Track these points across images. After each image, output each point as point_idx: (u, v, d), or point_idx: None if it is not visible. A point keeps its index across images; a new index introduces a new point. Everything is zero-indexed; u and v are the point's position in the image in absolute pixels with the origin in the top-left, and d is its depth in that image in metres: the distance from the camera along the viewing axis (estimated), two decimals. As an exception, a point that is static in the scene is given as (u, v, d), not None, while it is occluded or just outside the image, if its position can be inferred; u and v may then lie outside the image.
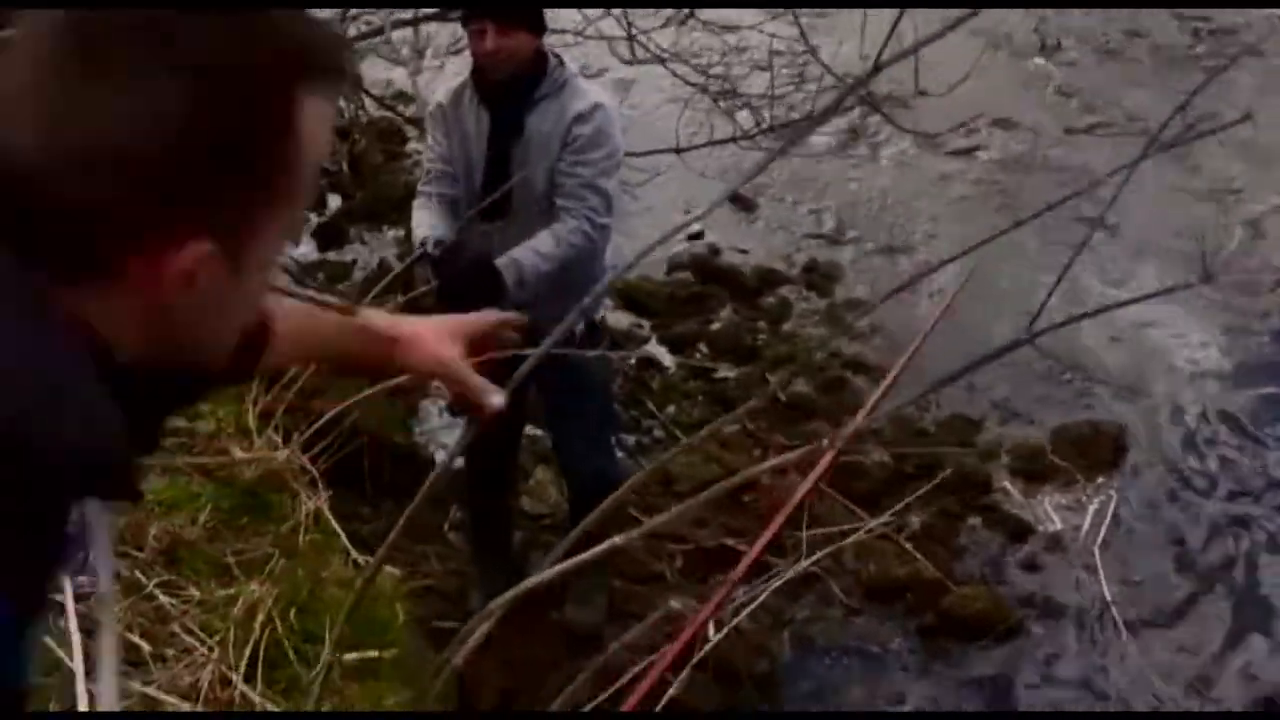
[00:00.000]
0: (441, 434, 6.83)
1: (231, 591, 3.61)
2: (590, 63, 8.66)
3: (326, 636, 3.55)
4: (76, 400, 1.30)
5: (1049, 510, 6.86)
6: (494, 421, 2.33)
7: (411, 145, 9.84)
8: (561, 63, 4.94)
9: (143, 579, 3.64)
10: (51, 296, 1.31)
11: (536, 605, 5.98)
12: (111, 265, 1.32)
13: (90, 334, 1.34)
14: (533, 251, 4.69)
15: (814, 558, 4.33)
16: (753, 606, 5.94)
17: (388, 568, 3.88)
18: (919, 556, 6.35)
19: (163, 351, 1.43)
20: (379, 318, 2.27)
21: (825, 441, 4.53)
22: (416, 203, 5.03)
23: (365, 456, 5.20)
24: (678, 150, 8.15)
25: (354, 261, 8.67)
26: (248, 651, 3.42)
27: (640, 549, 6.37)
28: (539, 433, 7.03)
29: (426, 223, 4.89)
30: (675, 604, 5.99)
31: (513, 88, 4.85)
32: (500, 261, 4.62)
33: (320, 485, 4.09)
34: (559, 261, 4.71)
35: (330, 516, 4.01)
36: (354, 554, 3.89)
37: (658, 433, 7.28)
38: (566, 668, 5.25)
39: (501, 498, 5.95)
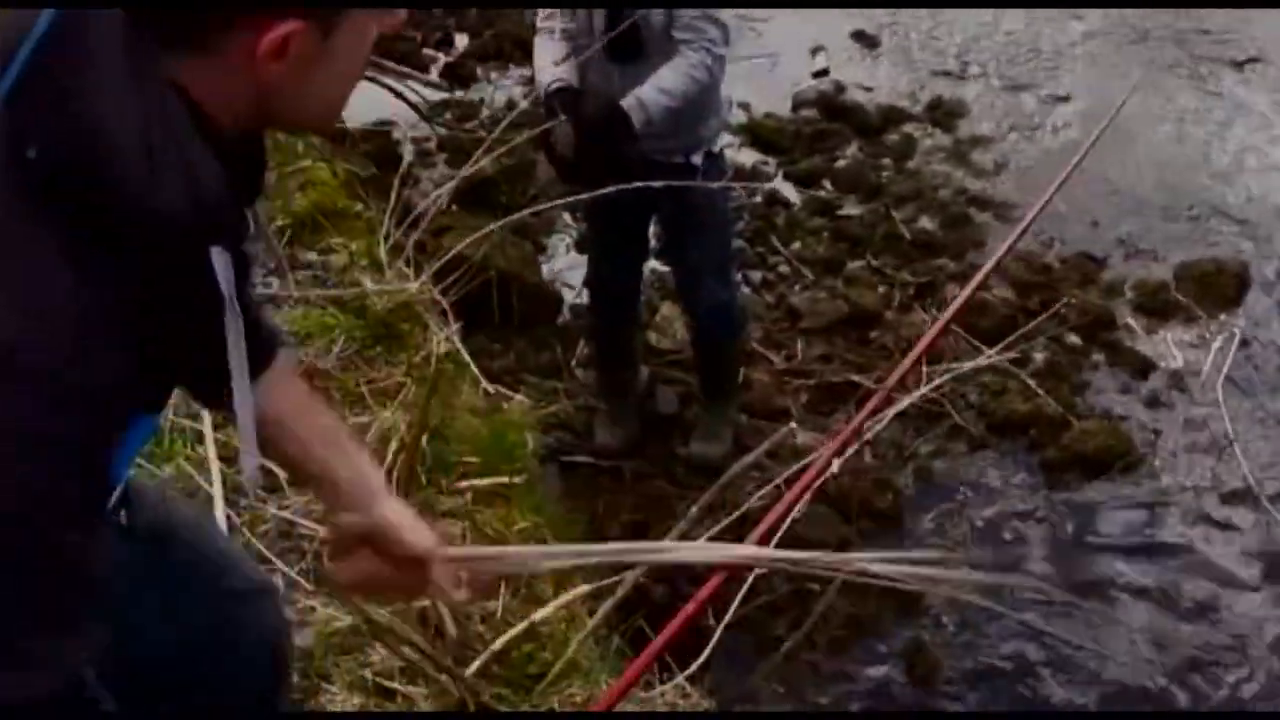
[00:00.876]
0: (569, 273, 6.88)
1: (365, 419, 3.69)
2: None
3: (459, 461, 3.65)
4: (182, 154, 1.44)
5: (1171, 347, 6.80)
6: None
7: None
8: None
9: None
10: (159, 65, 1.46)
11: (666, 440, 6.09)
12: (213, 38, 1.48)
13: (192, 99, 1.49)
14: (657, 90, 4.69)
15: (933, 384, 4.29)
16: (867, 436, 6.00)
17: (517, 397, 3.96)
18: (1041, 393, 6.33)
19: (256, 121, 1.60)
20: (384, 501, 2.18)
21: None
22: (538, 40, 5.04)
23: (494, 291, 5.26)
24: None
25: (481, 100, 8.68)
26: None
27: (767, 384, 6.43)
28: (664, 268, 7.09)
29: (550, 62, 4.91)
30: (800, 438, 6.08)
31: None
32: (627, 103, 4.63)
33: (450, 318, 4.15)
34: (683, 97, 4.72)
35: (461, 347, 4.07)
36: (484, 384, 3.95)
37: (783, 268, 7.27)
38: (694, 500, 5.36)
39: (627, 331, 6.00)
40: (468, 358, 4.03)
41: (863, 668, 5.29)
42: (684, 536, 3.46)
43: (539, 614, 3.16)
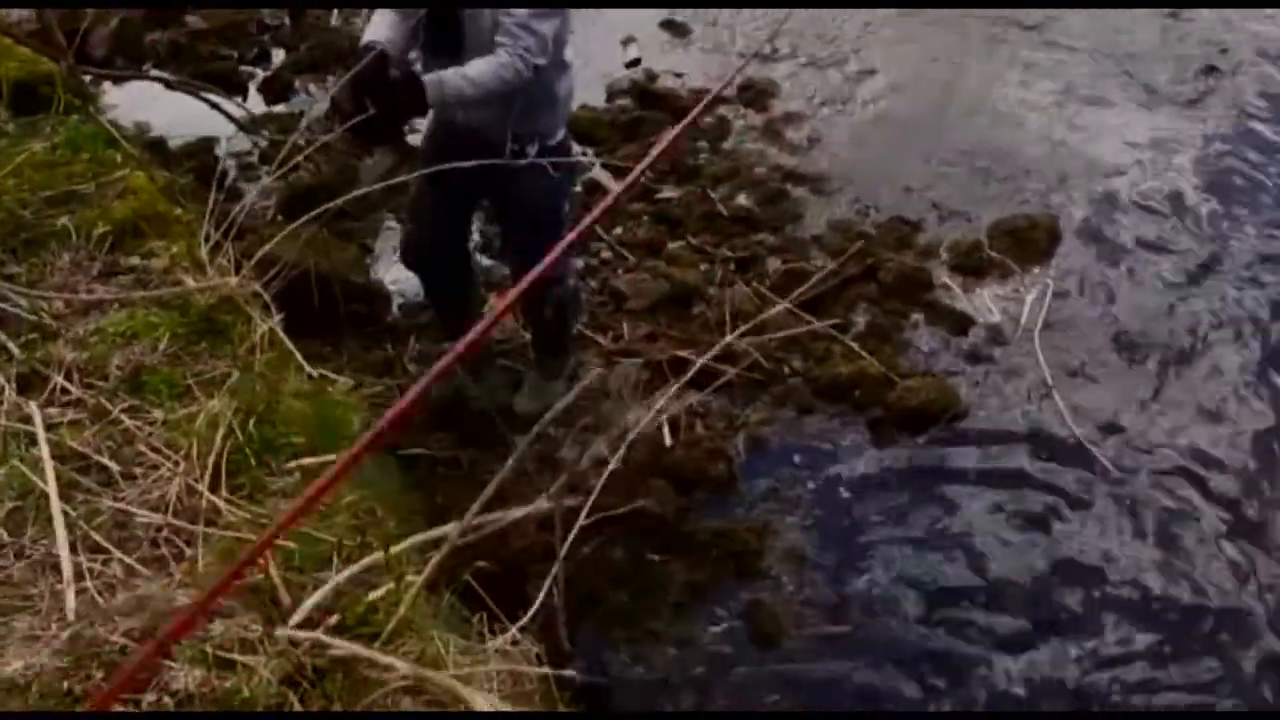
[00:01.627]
0: (398, 274, 6.99)
1: (193, 409, 3.79)
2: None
3: (287, 443, 3.77)
4: None
5: (988, 303, 7.08)
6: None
7: (354, -6, 9.90)
8: None
9: (108, 405, 3.83)
10: None
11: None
12: None
13: None
14: (459, 75, 4.87)
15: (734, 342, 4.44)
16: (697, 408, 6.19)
17: (339, 378, 4.08)
18: (865, 355, 6.56)
19: None
20: None
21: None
22: (376, 13, 5.20)
23: (315, 291, 5.38)
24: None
25: (301, 113, 8.76)
26: (211, 462, 3.62)
27: (598, 366, 6.57)
28: (486, 262, 7.25)
29: (376, 27, 5.08)
30: (631, 416, 6.23)
31: None
32: (428, 78, 4.80)
33: (273, 309, 4.26)
34: (484, 90, 4.90)
35: (284, 336, 4.18)
36: (308, 369, 4.07)
37: (605, 254, 7.45)
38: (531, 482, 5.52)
39: (455, 289, 6.17)
40: (290, 345, 4.14)
41: (704, 631, 5.45)
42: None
43: (372, 595, 3.30)
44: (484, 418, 6.18)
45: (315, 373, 4.02)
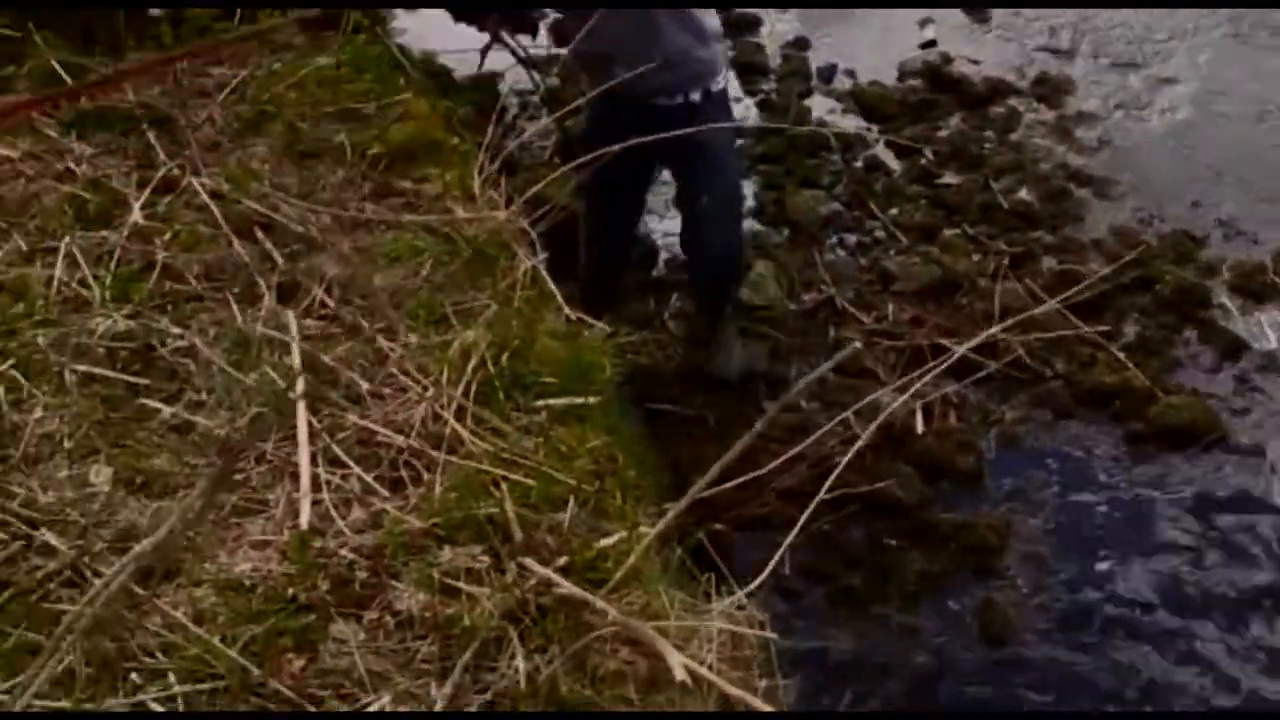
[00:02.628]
0: (668, 227, 6.96)
1: (448, 337, 3.78)
2: None
3: (537, 382, 3.74)
4: None
5: (1266, 329, 6.80)
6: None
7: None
8: None
9: (363, 324, 3.84)
10: None
11: (755, 395, 6.19)
12: None
13: None
14: None
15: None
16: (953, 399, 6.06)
17: (596, 324, 4.03)
18: (1130, 366, 6.36)
19: None
20: None
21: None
22: None
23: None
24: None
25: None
26: (459, 391, 3.60)
27: (856, 341, 6.48)
28: (755, 225, 7.19)
29: None
30: (885, 398, 6.13)
31: None
32: None
33: (538, 247, 4.24)
34: None
35: (546, 276, 4.15)
36: (567, 311, 4.03)
37: (879, 233, 7.35)
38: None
39: (616, 271, 6.09)
40: (553, 286, 4.10)
41: (932, 623, 5.34)
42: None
43: (604, 542, 3.24)
44: (743, 378, 6.15)
45: (573, 315, 3.97)
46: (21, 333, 3.70)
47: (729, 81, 5.66)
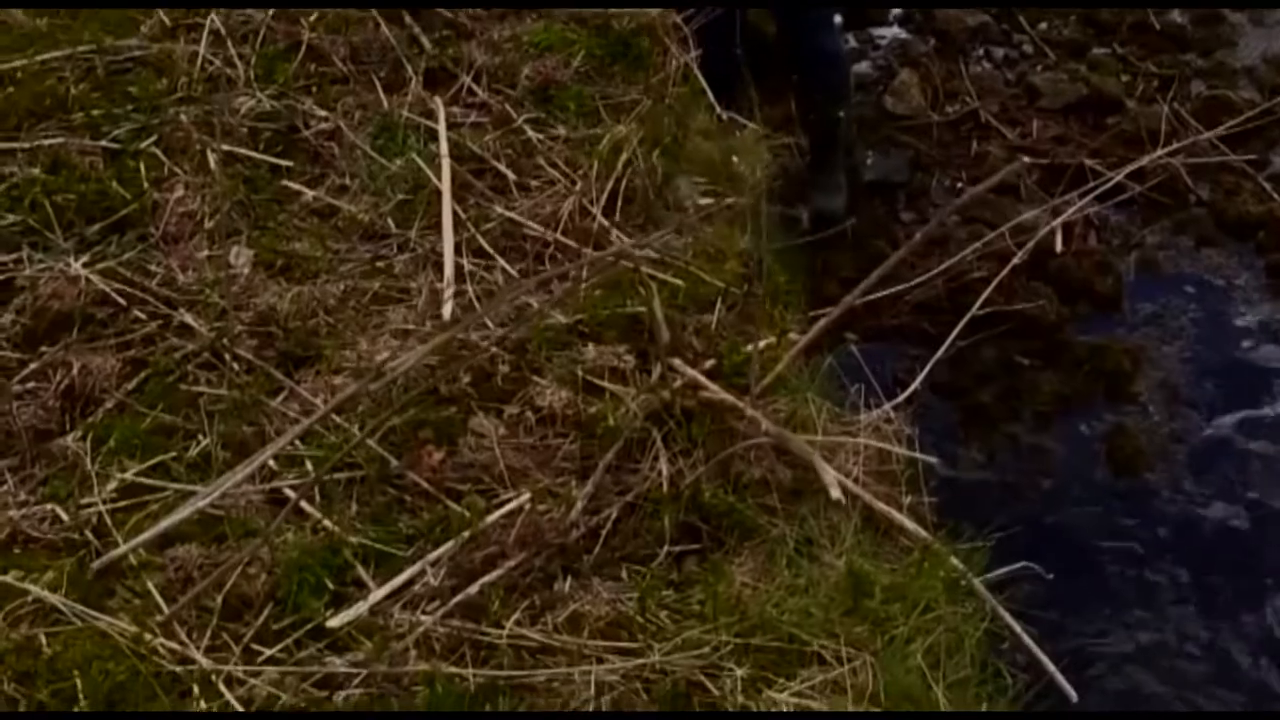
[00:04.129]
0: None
1: (597, 131, 3.67)
2: None
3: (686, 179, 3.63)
4: None
5: None
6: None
7: None
8: None
9: (512, 114, 3.74)
10: None
11: (891, 204, 6.04)
12: None
13: None
14: None
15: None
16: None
17: (748, 124, 3.91)
18: (1277, 196, 6.11)
19: None
20: None
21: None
22: None
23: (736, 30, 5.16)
24: None
25: None
26: (609, 186, 3.50)
27: (998, 158, 6.31)
28: (900, 34, 6.98)
29: None
30: (1025, 214, 5.97)
31: None
32: None
33: (692, 44, 4.10)
34: None
35: (699, 73, 4.02)
36: (718, 110, 3.91)
37: (1026, 47, 7.08)
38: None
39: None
40: (704, 83, 3.97)
41: (1062, 445, 5.21)
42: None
43: (750, 347, 3.13)
44: (876, 189, 5.99)
45: (725, 115, 3.84)
46: (164, 109, 3.64)
47: None
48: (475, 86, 3.83)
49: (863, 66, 6.74)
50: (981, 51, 6.94)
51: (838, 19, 5.89)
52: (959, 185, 6.17)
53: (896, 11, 6.95)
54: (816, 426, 3.03)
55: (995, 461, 5.14)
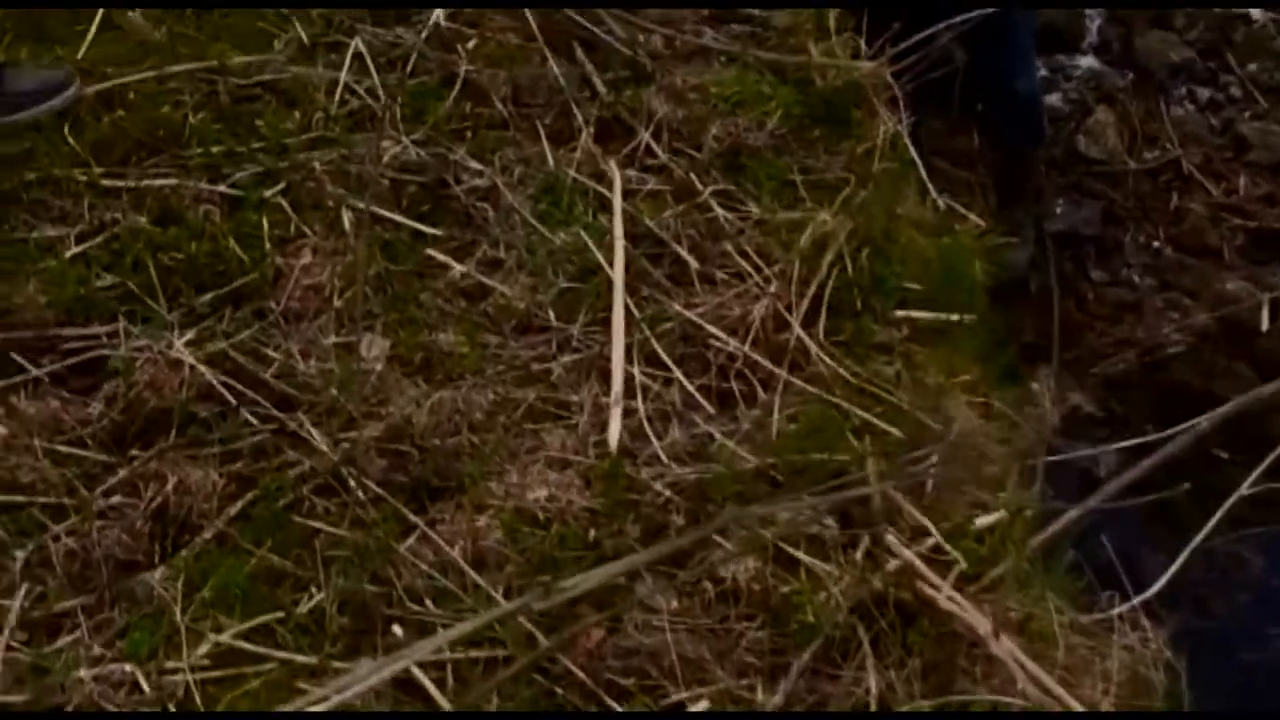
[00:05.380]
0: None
1: (795, 215, 3.12)
2: None
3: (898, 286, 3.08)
4: None
5: None
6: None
7: None
8: None
9: (697, 184, 3.19)
10: None
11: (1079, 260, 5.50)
12: None
13: None
14: None
15: None
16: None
17: (971, 215, 3.35)
18: None
19: None
20: None
21: None
22: None
23: (958, 82, 4.57)
24: None
25: None
26: (811, 291, 2.95)
27: (1199, 216, 5.72)
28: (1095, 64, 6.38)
29: None
30: (1229, 285, 5.39)
31: None
32: None
33: (901, 105, 3.53)
34: None
35: (911, 147, 3.46)
36: (932, 193, 3.35)
37: (1234, 90, 6.44)
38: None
39: None
40: (916, 156, 3.41)
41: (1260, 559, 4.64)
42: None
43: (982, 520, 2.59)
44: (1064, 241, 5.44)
45: (942, 202, 3.28)
46: (295, 151, 3.10)
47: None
48: (655, 144, 3.28)
49: (1054, 99, 6.14)
50: (1184, 91, 6.32)
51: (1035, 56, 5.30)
52: (1155, 244, 5.61)
53: (1092, 39, 6.34)
54: (1057, 640, 2.47)
55: (1184, 574, 4.57)
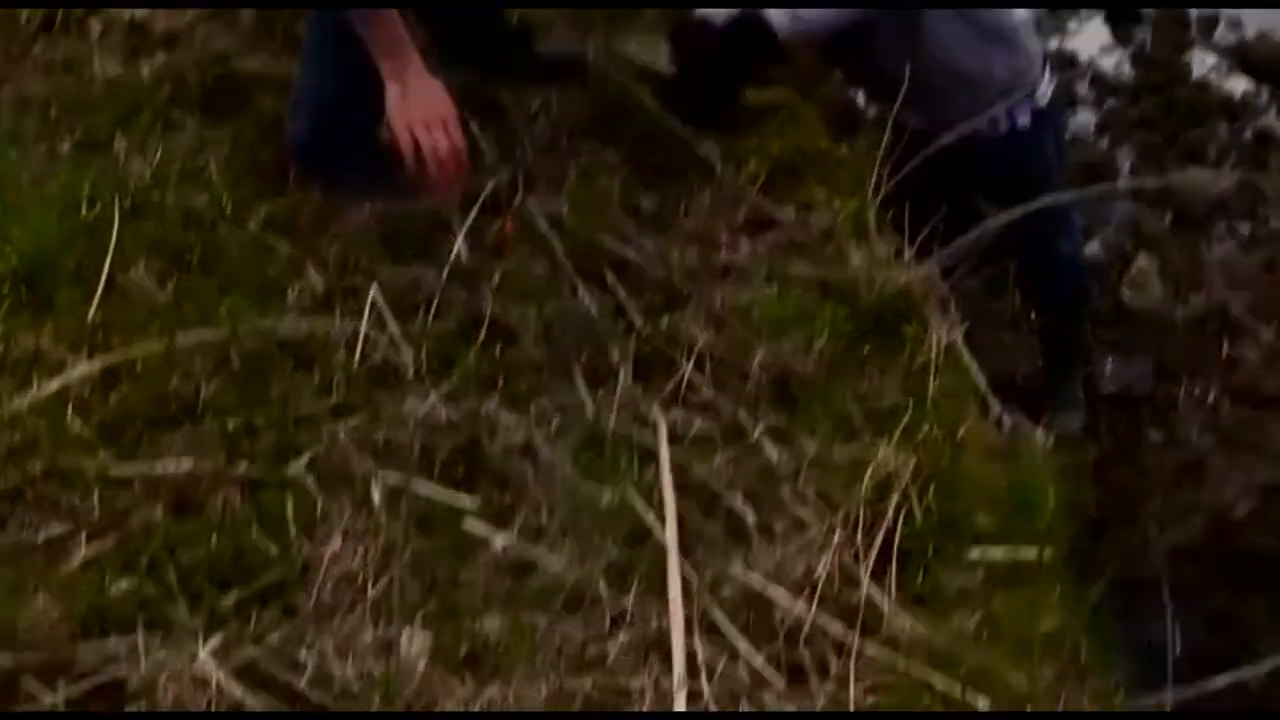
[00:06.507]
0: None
1: (854, 451, 2.92)
2: None
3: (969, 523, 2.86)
4: None
5: None
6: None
7: None
8: None
9: (745, 423, 2.99)
10: None
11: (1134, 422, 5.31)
12: None
13: None
14: None
15: None
16: None
17: (1038, 432, 3.14)
18: None
19: None
20: None
21: None
22: None
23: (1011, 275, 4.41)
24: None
25: None
26: (878, 539, 2.74)
27: (1253, 363, 5.53)
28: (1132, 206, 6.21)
29: None
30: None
31: None
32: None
33: (953, 308, 3.33)
34: None
35: (964, 351, 3.26)
36: (994, 407, 3.14)
37: (1275, 223, 6.25)
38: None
39: None
40: (974, 367, 3.20)
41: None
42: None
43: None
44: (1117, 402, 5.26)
45: (1007, 418, 3.07)
46: (315, 420, 2.90)
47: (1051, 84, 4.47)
48: (698, 377, 3.08)
49: (1093, 247, 5.96)
50: (1224, 228, 6.14)
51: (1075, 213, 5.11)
52: (1211, 397, 5.41)
53: (1126, 179, 6.17)
54: None
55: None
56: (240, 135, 3.74)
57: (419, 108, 3.12)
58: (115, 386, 2.97)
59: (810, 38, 3.82)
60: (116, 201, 3.41)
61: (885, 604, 2.66)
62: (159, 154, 3.67)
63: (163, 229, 3.40)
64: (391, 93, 3.11)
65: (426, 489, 2.82)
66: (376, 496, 2.78)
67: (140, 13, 4.20)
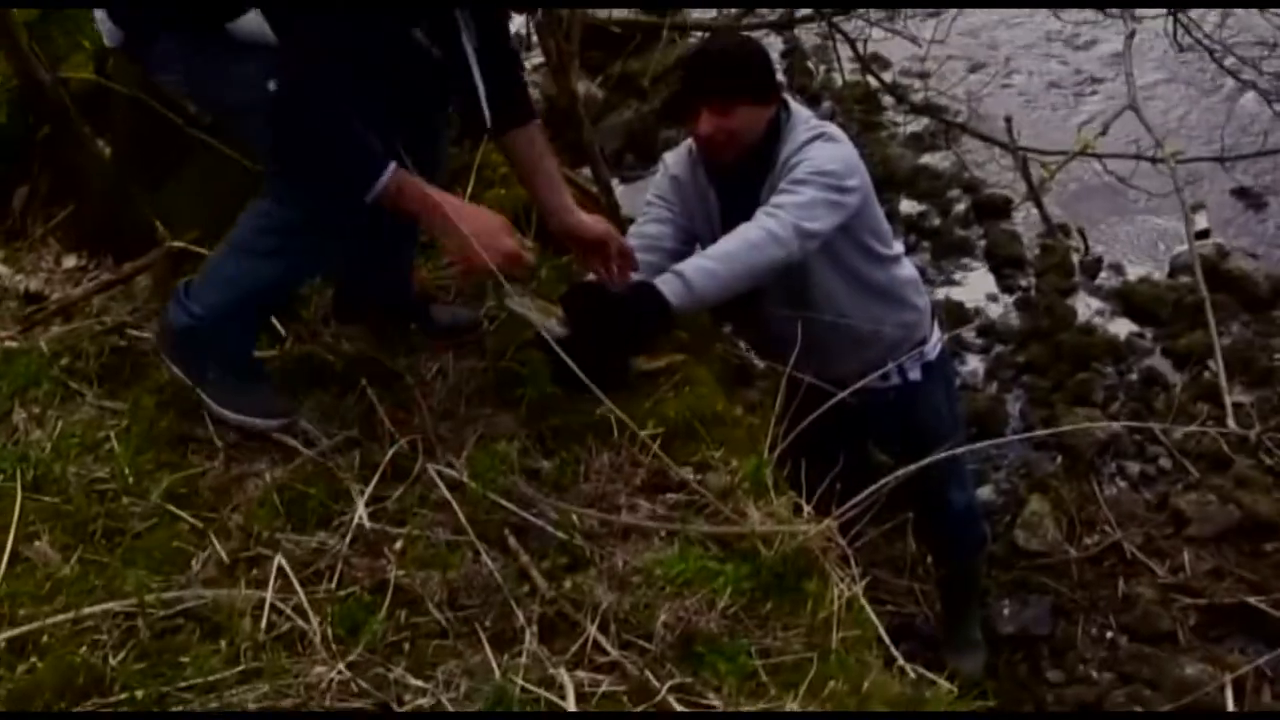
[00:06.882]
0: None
1: (761, 705, 2.95)
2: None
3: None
4: None
5: None
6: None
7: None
8: (789, 116, 4.13)
9: (654, 681, 3.01)
10: None
11: (1035, 663, 5.39)
12: None
13: None
14: (701, 259, 3.86)
15: None
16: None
17: (939, 681, 3.19)
18: None
19: None
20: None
21: None
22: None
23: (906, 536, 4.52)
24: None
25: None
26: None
27: (1149, 600, 5.63)
28: (1029, 453, 6.34)
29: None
30: (1189, 670, 5.27)
31: (742, 169, 4.08)
32: (661, 278, 3.76)
33: (853, 562, 3.39)
34: (736, 269, 3.81)
35: (866, 605, 3.31)
36: (899, 659, 3.19)
37: (1164, 462, 6.41)
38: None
39: None
40: (875, 620, 3.26)
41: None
42: None
43: None
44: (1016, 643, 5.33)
45: (910, 669, 3.12)
46: (223, 689, 2.90)
47: (940, 337, 4.64)
48: (602, 639, 3.10)
49: (985, 492, 6.08)
50: (1114, 468, 6.32)
51: (971, 466, 5.24)
52: (1109, 634, 5.51)
53: (1015, 424, 6.33)
54: None
55: None
56: (139, 406, 3.79)
57: (472, 225, 3.41)
58: (22, 658, 2.96)
59: (703, 307, 3.94)
60: (18, 474, 3.44)
61: None
62: (59, 425, 3.71)
63: (66, 501, 3.42)
64: (438, 228, 3.44)
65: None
66: (287, 770, 2.76)
67: (36, 283, 4.28)
